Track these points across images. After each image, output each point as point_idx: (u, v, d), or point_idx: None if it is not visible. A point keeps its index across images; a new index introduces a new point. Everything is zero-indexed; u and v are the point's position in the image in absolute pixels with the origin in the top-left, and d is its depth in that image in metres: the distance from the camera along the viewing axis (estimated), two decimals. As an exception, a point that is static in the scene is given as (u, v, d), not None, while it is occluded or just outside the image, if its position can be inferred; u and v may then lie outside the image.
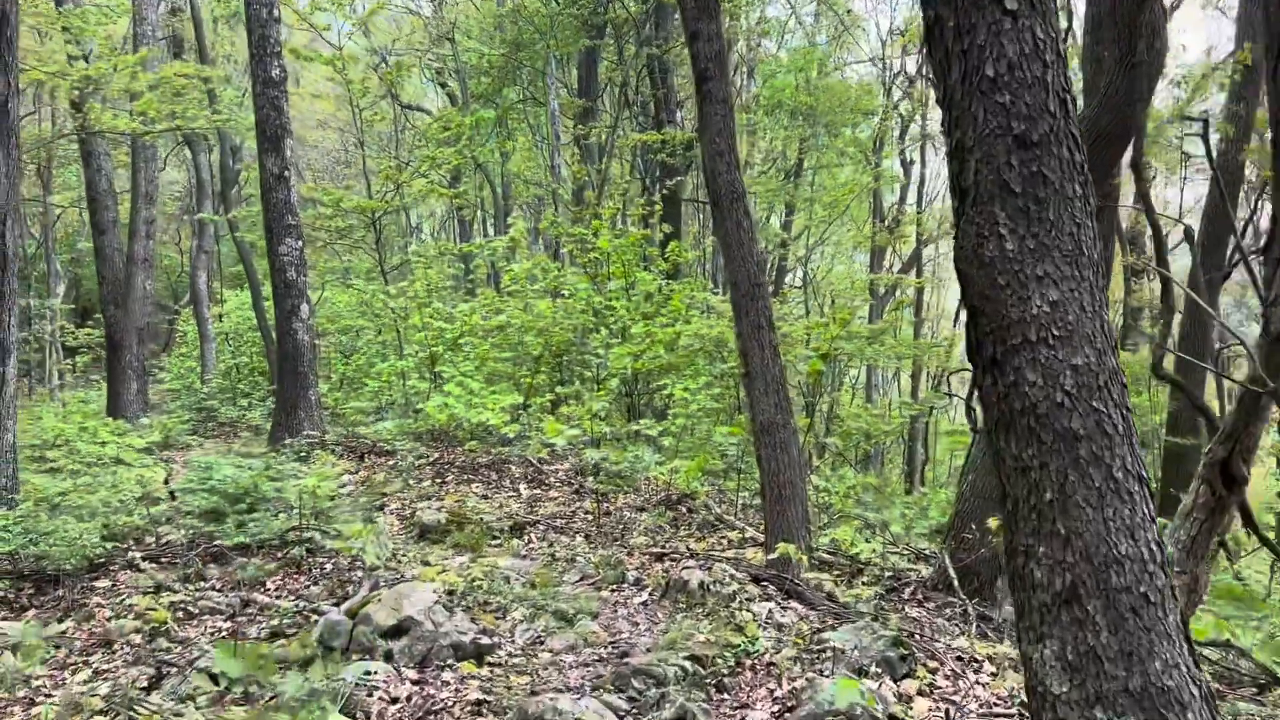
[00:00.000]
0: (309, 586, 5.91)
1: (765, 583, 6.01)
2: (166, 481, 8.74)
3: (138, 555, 6.33)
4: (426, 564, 6.71)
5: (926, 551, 8.30)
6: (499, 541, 7.58)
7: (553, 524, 8.33)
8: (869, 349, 10.36)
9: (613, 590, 6.14)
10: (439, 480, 10.02)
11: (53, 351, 21.47)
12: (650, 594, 5.95)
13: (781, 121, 23.79)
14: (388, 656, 4.34)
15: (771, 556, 5.91)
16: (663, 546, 7.65)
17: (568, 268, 14.51)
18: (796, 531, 6.26)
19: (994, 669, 4.97)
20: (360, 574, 5.85)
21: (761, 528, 8.49)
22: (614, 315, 12.21)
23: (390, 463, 10.95)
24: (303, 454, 10.87)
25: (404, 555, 6.91)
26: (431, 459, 10.85)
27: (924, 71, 23.21)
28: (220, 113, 15.43)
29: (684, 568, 5.93)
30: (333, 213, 17.61)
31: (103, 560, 6.30)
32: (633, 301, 12.35)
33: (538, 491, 9.79)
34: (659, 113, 20.87)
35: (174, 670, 4.23)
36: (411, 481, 9.92)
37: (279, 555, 6.32)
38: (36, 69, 12.03)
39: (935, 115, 27.71)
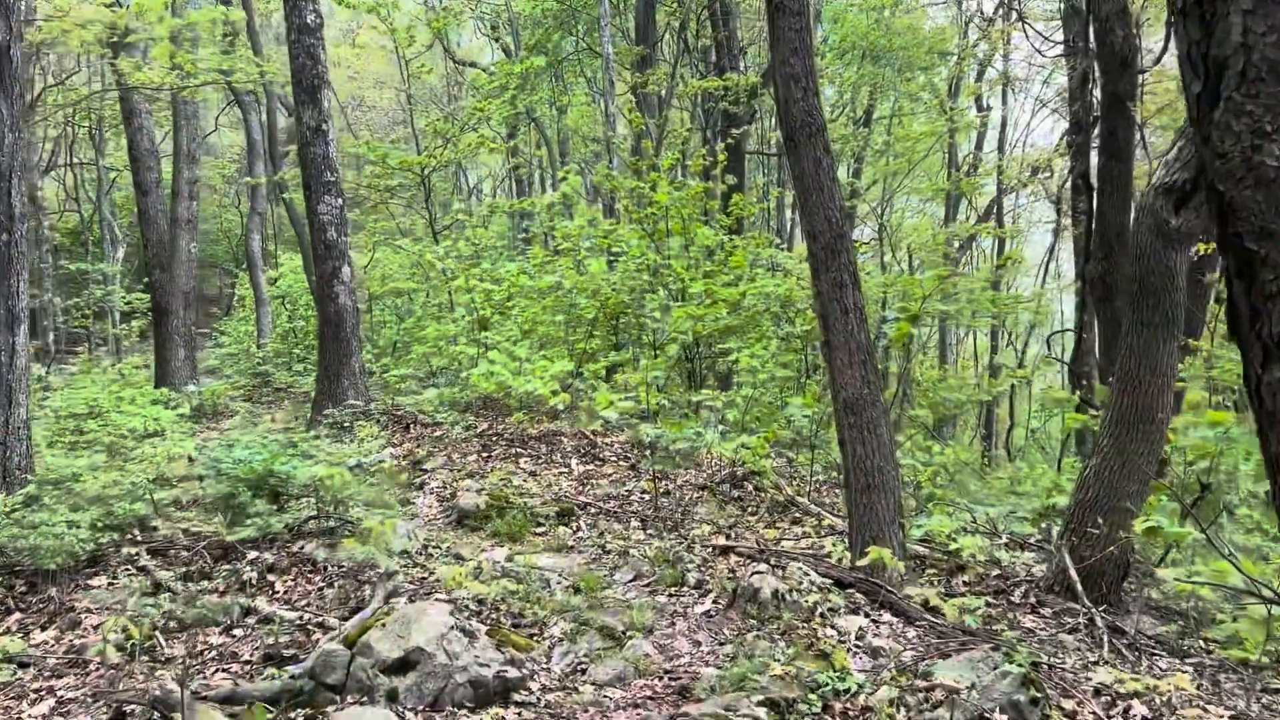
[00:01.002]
0: (322, 589, 5.16)
1: (851, 589, 5.08)
2: (191, 461, 8.15)
3: (140, 549, 5.66)
4: (459, 557, 5.94)
5: (1033, 540, 7.25)
6: (544, 529, 6.77)
7: (605, 506, 7.49)
8: (962, 308, 9.19)
9: (670, 595, 5.27)
10: (485, 454, 9.25)
11: (108, 317, 21.37)
12: (714, 601, 5.06)
13: (852, 65, 22.30)
14: (391, 697, 3.54)
15: (861, 562, 4.96)
16: (728, 535, 6.76)
17: (624, 224, 13.54)
18: (887, 527, 5.30)
19: (1147, 710, 3.99)
20: (378, 575, 5.08)
21: (839, 511, 7.53)
22: (672, 274, 11.23)
23: (436, 433, 10.23)
24: (344, 424, 10.24)
25: (436, 546, 6.14)
26: (479, 430, 10.10)
27: (1005, 2, 21.39)
28: (260, 65, 14.72)
29: (754, 572, 5.02)
30: (382, 170, 16.92)
31: (102, 554, 5.65)
32: (692, 257, 11.33)
33: (591, 467, 8.96)
34: (720, 58, 19.61)
35: (135, 712, 3.50)
36: (456, 456, 9.18)
37: (292, 551, 5.59)
38: (63, 18, 11.38)
39: (1016, 56, 25.89)
